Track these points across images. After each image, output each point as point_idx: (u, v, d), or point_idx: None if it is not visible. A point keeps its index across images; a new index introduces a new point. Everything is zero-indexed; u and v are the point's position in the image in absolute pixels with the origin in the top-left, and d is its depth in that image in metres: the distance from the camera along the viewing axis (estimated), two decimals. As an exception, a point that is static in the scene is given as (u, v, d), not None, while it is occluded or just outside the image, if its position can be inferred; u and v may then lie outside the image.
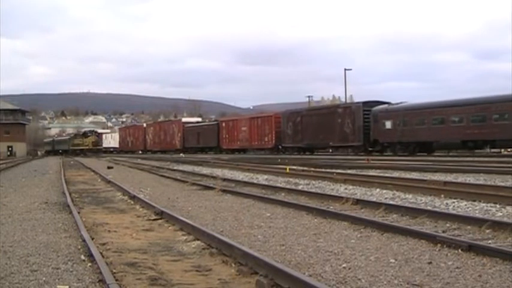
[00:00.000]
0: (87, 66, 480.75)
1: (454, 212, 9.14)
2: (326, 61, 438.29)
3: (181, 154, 55.33)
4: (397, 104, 36.61)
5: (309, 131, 42.49)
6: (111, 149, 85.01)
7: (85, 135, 78.06)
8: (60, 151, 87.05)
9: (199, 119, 73.06)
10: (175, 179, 19.73)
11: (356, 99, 62.25)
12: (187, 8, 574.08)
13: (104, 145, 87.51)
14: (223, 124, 56.40)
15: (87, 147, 74.34)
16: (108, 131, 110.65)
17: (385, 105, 37.23)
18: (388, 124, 35.37)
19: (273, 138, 47.25)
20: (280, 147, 46.68)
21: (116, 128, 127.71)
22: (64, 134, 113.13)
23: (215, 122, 60.42)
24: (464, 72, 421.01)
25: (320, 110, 45.35)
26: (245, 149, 51.96)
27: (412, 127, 33.79)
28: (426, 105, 34.34)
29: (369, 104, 37.82)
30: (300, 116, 44.07)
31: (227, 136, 54.77)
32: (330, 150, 42.59)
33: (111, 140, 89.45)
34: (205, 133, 58.91)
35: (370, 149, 37.40)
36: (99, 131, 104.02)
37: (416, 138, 33.56)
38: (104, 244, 7.27)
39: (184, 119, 69.59)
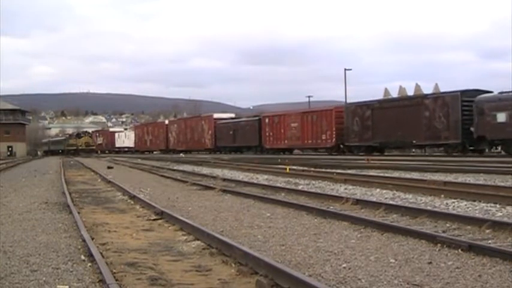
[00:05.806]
0: (91, 66, 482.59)
1: (454, 212, 9.14)
2: (330, 61, 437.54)
3: (181, 154, 55.10)
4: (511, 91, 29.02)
5: (383, 127, 35.73)
6: (125, 149, 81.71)
7: (79, 136, 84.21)
8: (60, 151, 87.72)
9: (233, 115, 66.23)
10: (176, 179, 19.73)
11: (359, 99, 60.37)
12: (193, 7, 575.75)
13: (117, 145, 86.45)
14: (267, 120, 48.84)
15: (80, 148, 79.79)
16: (121, 129, 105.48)
17: (495, 94, 29.72)
18: (502, 117, 27.94)
19: (334, 135, 40.48)
20: (342, 146, 40.51)
21: (117, 127, 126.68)
22: (67, 134, 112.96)
23: (256, 118, 52.34)
24: (470, 71, 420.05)
25: (399, 101, 37.68)
26: (292, 149, 46.36)
27: None
28: None
29: (468, 94, 30.80)
30: (371, 110, 37.62)
31: (272, 134, 47.72)
32: (413, 150, 37.00)
33: (125, 140, 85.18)
34: (243, 130, 51.94)
35: (470, 147, 31.06)
36: (111, 129, 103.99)
37: None
38: (104, 244, 7.27)
39: (216, 115, 62.16)
